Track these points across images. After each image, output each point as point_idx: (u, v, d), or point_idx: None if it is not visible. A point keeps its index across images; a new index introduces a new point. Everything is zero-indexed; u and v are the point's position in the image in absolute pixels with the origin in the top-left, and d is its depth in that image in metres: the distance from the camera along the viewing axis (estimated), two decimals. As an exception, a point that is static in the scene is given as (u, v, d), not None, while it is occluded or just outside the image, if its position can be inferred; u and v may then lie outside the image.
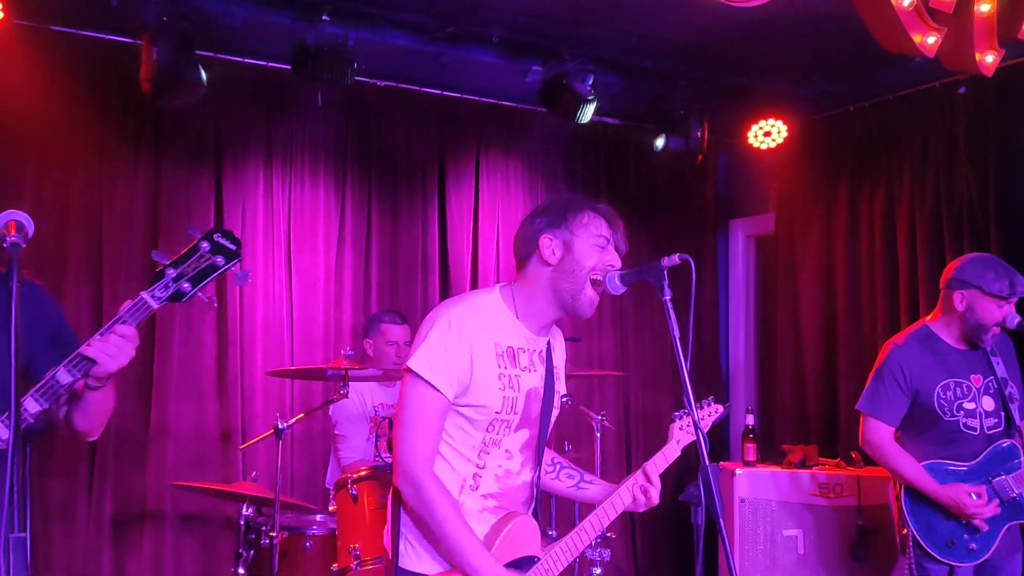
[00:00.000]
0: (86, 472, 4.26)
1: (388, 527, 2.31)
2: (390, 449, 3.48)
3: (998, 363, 3.26)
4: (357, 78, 4.46)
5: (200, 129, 4.56)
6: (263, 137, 4.73)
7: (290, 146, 4.79)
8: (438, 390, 2.16)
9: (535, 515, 2.36)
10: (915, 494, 3.23)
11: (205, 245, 1.88)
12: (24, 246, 1.71)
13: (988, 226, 4.38)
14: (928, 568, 3.22)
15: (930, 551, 3.20)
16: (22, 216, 1.76)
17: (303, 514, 3.79)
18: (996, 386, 3.25)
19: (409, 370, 2.20)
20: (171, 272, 1.87)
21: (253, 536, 3.64)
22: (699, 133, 5.00)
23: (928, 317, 3.38)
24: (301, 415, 3.72)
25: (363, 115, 4.96)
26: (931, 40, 2.77)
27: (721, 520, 2.08)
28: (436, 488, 2.17)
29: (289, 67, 4.29)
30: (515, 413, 2.26)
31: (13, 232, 1.72)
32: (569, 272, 2.27)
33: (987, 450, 3.24)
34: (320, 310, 4.79)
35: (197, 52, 4.03)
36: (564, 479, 2.53)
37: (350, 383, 3.68)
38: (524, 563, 2.28)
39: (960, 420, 3.22)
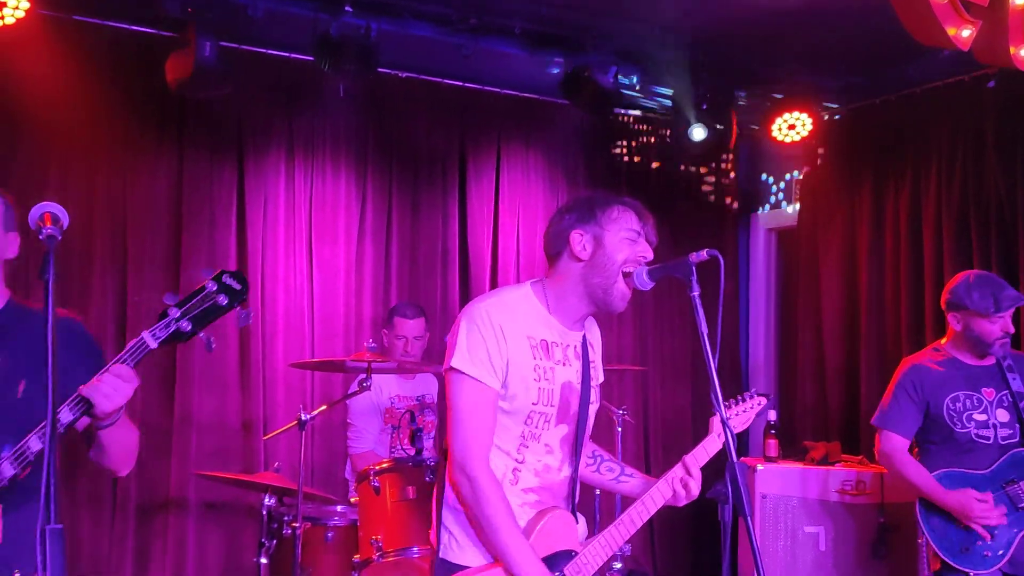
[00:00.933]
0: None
1: (433, 520, 2.34)
2: (412, 442, 3.53)
3: (1014, 378, 3.33)
4: (379, 70, 4.46)
5: (222, 121, 4.57)
6: (285, 129, 4.73)
7: (311, 138, 4.80)
8: (484, 383, 2.19)
9: (574, 511, 2.35)
10: (929, 502, 3.29)
11: (212, 285, 1.90)
12: (60, 238, 1.72)
13: (1016, 222, 4.33)
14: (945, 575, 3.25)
15: (944, 558, 3.23)
16: (57, 208, 1.77)
17: (324, 505, 3.80)
18: (1011, 399, 3.31)
19: (452, 369, 2.21)
20: (174, 312, 1.89)
21: (275, 526, 3.66)
22: (723, 126, 4.96)
23: (943, 340, 3.47)
24: (324, 407, 3.73)
25: (384, 107, 4.96)
26: (965, 33, 2.74)
27: (749, 518, 2.07)
28: (491, 484, 2.18)
29: (311, 58, 4.28)
30: (551, 406, 2.27)
31: (49, 224, 1.73)
32: (601, 267, 2.28)
33: (1002, 458, 3.28)
34: (341, 302, 4.80)
35: (221, 44, 4.03)
36: (605, 472, 2.53)
37: (374, 375, 3.68)
38: (560, 557, 2.27)
39: (972, 431, 3.29)
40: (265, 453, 4.53)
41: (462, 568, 2.24)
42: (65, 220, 1.78)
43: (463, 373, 2.19)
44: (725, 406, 2.41)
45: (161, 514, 4.37)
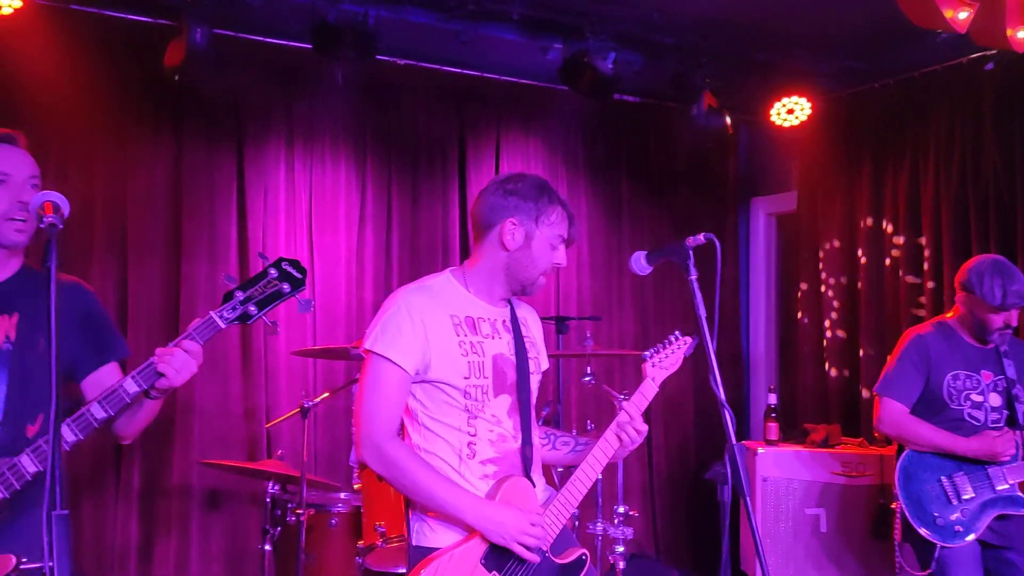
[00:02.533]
0: (113, 449, 4.32)
1: (405, 510, 2.39)
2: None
3: (1009, 364, 3.37)
4: (377, 57, 4.45)
5: (221, 109, 4.56)
6: (284, 117, 4.73)
7: (311, 126, 4.79)
8: (395, 363, 2.26)
9: (529, 477, 2.37)
10: (909, 470, 3.33)
11: (273, 272, 1.99)
12: (61, 227, 1.74)
13: (1014, 204, 4.33)
14: (914, 544, 3.31)
15: (913, 525, 3.27)
16: (58, 197, 1.80)
17: (328, 492, 3.83)
18: (1005, 385, 3.35)
19: (367, 351, 2.30)
20: (239, 295, 1.98)
21: (279, 513, 3.69)
22: (721, 111, 4.96)
23: (948, 313, 3.50)
24: (327, 394, 3.75)
25: (383, 94, 4.95)
26: (962, 15, 2.74)
27: (748, 497, 2.09)
28: (398, 447, 2.27)
29: (309, 46, 4.28)
30: (485, 377, 2.33)
31: (50, 213, 1.76)
32: (524, 265, 2.39)
33: None
34: (342, 290, 4.81)
35: (215, 31, 4.02)
36: (561, 447, 2.60)
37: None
38: None
39: (965, 410, 3.34)
40: (268, 441, 4.54)
41: (435, 550, 2.29)
42: (66, 208, 1.80)
43: (373, 352, 2.27)
44: (654, 351, 2.54)
45: (164, 502, 4.39)
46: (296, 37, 4.51)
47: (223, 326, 1.97)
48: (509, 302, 2.47)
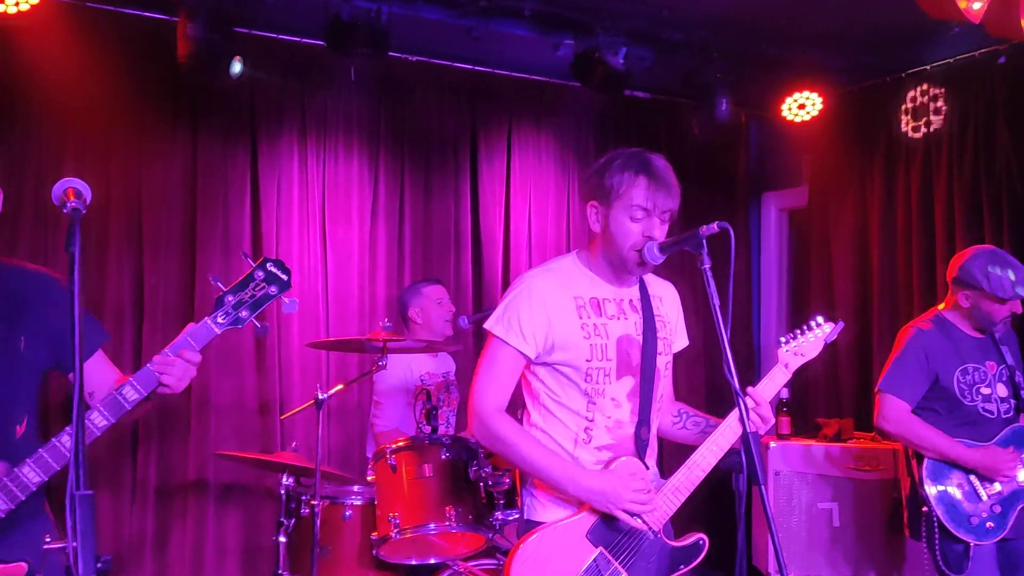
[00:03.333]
0: (130, 443, 4.35)
1: (518, 486, 2.46)
2: (428, 420, 3.56)
3: (1007, 351, 3.34)
4: (390, 53, 4.48)
5: (235, 105, 4.60)
6: (297, 113, 4.76)
7: (324, 121, 4.82)
8: (512, 346, 2.31)
9: (643, 459, 2.36)
10: (936, 472, 3.26)
11: (260, 274, 2.03)
12: (84, 211, 1.76)
13: (1028, 197, 4.33)
14: (947, 547, 3.25)
15: (949, 528, 3.22)
16: (80, 184, 1.83)
17: (342, 484, 3.84)
18: (1008, 373, 3.32)
19: (487, 332, 2.36)
20: (230, 299, 2.02)
21: (293, 505, 3.70)
22: (732, 106, 4.96)
23: (941, 306, 3.45)
24: (340, 386, 3.76)
25: (396, 90, 4.98)
26: (976, 5, 2.74)
27: (764, 487, 2.09)
28: (506, 420, 2.32)
29: (323, 43, 4.31)
30: (608, 360, 2.33)
31: (73, 198, 1.78)
32: (610, 243, 2.36)
33: (1003, 432, 3.29)
34: (355, 284, 4.84)
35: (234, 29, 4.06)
36: (691, 427, 2.56)
37: (397, 354, 3.71)
38: None
39: (979, 404, 3.29)
40: (282, 434, 4.57)
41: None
42: (88, 195, 1.82)
43: (494, 335, 2.34)
44: (791, 337, 2.50)
45: (180, 496, 4.43)
46: (310, 34, 4.55)
47: (218, 332, 2.02)
48: (641, 280, 2.44)
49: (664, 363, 2.45)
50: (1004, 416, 3.30)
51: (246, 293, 2.01)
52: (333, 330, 4.73)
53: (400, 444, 3.45)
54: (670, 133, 5.65)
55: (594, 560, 2.26)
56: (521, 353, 2.30)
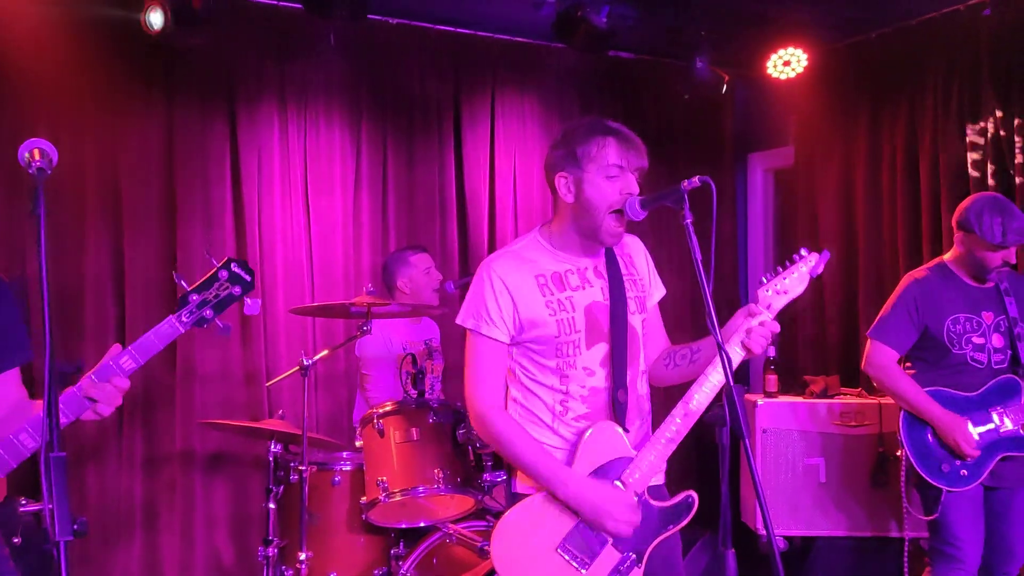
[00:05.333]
0: (115, 415, 4.31)
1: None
2: (414, 384, 3.56)
3: (1011, 303, 3.34)
4: (369, 16, 4.41)
5: (211, 72, 4.52)
6: (276, 79, 4.69)
7: (304, 88, 4.75)
8: (487, 336, 2.34)
9: (622, 423, 2.35)
10: (913, 417, 3.33)
11: (224, 274, 2.08)
12: (49, 172, 1.73)
13: (1013, 151, 4.30)
14: (921, 490, 3.33)
15: (921, 473, 3.28)
16: (45, 144, 1.79)
17: (330, 451, 3.84)
18: (1007, 324, 3.32)
19: (463, 328, 2.39)
20: (195, 298, 2.07)
21: (282, 473, 3.70)
22: (710, 64, 4.92)
23: (946, 255, 3.47)
24: (325, 352, 3.74)
25: (376, 54, 4.91)
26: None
27: (747, 439, 2.09)
28: (501, 418, 2.34)
29: (300, 6, 4.24)
30: (576, 331, 2.34)
31: (38, 159, 1.75)
32: (586, 210, 2.34)
33: (990, 383, 3.31)
34: (339, 252, 4.80)
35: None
36: (680, 362, 2.51)
37: (378, 321, 3.70)
38: (613, 466, 2.31)
39: (968, 353, 3.31)
40: (269, 402, 4.56)
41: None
42: (54, 156, 1.79)
43: (469, 329, 2.37)
44: (772, 275, 2.41)
45: (167, 466, 4.42)
46: (286, -3, 4.47)
47: (182, 331, 2.07)
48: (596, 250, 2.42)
49: (639, 321, 2.44)
50: (995, 367, 3.32)
51: (210, 293, 2.06)
52: (318, 299, 4.70)
53: (387, 408, 3.45)
54: (655, 94, 5.61)
55: (575, 527, 2.28)
56: (498, 341, 2.34)
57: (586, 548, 2.27)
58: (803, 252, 2.40)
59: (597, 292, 2.38)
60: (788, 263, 2.40)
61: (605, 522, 2.24)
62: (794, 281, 2.38)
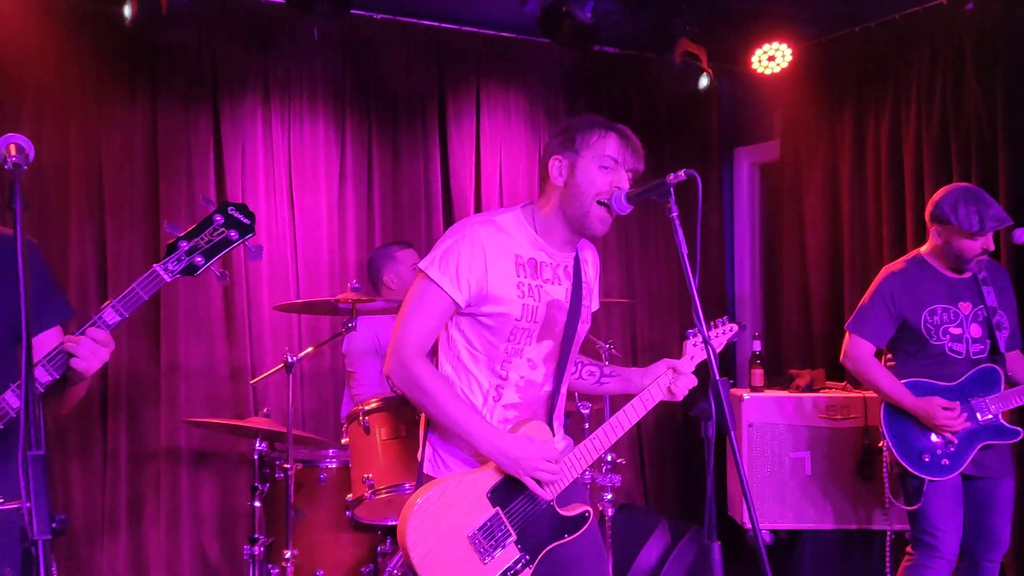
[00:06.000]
0: (99, 412, 4.31)
1: (421, 439, 2.43)
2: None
3: (989, 292, 3.35)
4: (353, 11, 4.39)
5: (195, 67, 4.49)
6: (260, 74, 4.66)
7: (287, 83, 4.73)
8: (443, 290, 2.26)
9: (550, 423, 2.38)
10: (893, 409, 3.36)
11: (219, 218, 1.90)
12: (25, 168, 1.70)
13: (996, 145, 4.32)
14: (904, 480, 3.35)
15: (903, 463, 3.31)
16: (22, 139, 1.76)
17: (316, 448, 3.83)
18: (985, 314, 3.34)
19: (419, 271, 2.30)
20: (184, 245, 1.88)
21: (268, 470, 3.69)
22: (704, 59, 4.92)
23: (922, 248, 3.48)
24: (310, 349, 3.73)
25: (360, 50, 4.89)
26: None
27: (732, 433, 2.09)
28: (424, 366, 2.27)
29: (283, 1, 4.21)
30: (535, 322, 2.32)
31: (14, 154, 1.71)
32: (574, 196, 2.33)
33: (970, 372, 3.34)
34: (324, 248, 4.78)
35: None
36: (586, 376, 2.58)
37: (363, 317, 3.68)
38: None
39: (946, 344, 3.34)
40: (255, 400, 4.54)
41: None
42: (31, 151, 1.76)
43: (427, 276, 2.27)
44: (693, 332, 2.49)
45: (153, 464, 4.40)
46: (270, -8, 4.44)
47: (168, 279, 1.87)
48: (575, 248, 2.43)
49: (584, 330, 2.47)
50: (973, 357, 3.34)
51: (203, 238, 1.88)
52: (304, 294, 4.68)
53: (373, 405, 3.44)
54: (640, 89, 5.61)
55: (489, 520, 2.27)
56: (452, 299, 2.26)
57: (492, 540, 2.26)
58: (725, 319, 2.58)
59: (562, 292, 2.38)
60: (713, 324, 2.55)
61: (528, 470, 2.24)
62: (717, 340, 2.56)
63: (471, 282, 2.25)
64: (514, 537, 2.28)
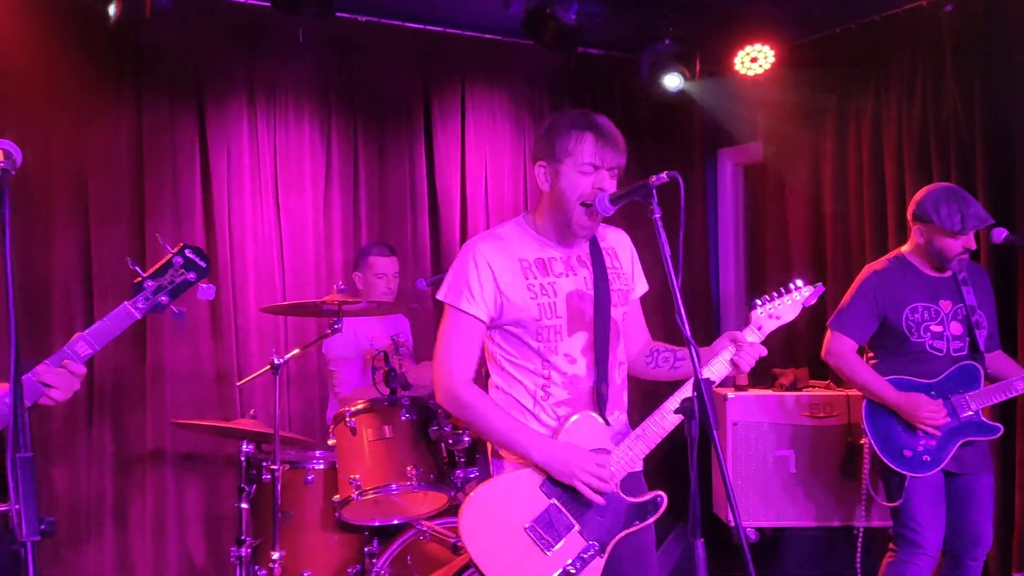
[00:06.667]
0: (85, 414, 4.30)
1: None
2: (387, 382, 3.55)
3: (968, 292, 3.39)
4: (339, 13, 4.40)
5: (180, 68, 4.50)
6: (245, 76, 4.67)
7: (273, 85, 4.74)
8: (466, 312, 2.34)
9: (603, 415, 2.38)
10: (875, 405, 3.40)
11: (178, 260, 2.08)
12: (13, 173, 1.73)
13: (975, 145, 4.37)
14: (885, 477, 3.39)
15: (884, 460, 3.34)
16: (9, 144, 1.78)
17: (303, 449, 3.83)
18: (965, 313, 3.38)
19: (442, 304, 2.40)
20: (150, 284, 2.06)
21: (255, 472, 3.69)
22: (687, 61, 4.97)
23: (904, 247, 3.52)
24: (297, 350, 3.73)
25: (346, 52, 4.90)
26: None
27: (715, 432, 2.12)
28: (472, 390, 2.36)
29: (268, 3, 4.21)
30: (558, 317, 2.36)
31: (1, 159, 1.73)
32: (559, 200, 2.38)
33: (950, 369, 3.37)
34: (310, 249, 4.79)
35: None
36: (662, 364, 2.59)
37: (344, 318, 3.69)
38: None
39: (927, 341, 3.37)
40: (241, 402, 4.54)
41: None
42: (18, 156, 1.78)
43: (448, 304, 2.38)
44: (767, 299, 2.50)
45: (138, 466, 4.39)
46: (255, -6, 4.45)
47: (138, 316, 2.06)
48: (590, 238, 2.45)
49: (620, 314, 2.47)
50: (954, 354, 3.37)
51: (165, 279, 2.06)
52: (290, 296, 4.69)
53: (360, 406, 3.45)
54: (624, 91, 5.63)
55: (546, 511, 2.30)
56: (476, 318, 2.34)
57: (553, 531, 2.29)
58: (799, 283, 2.51)
59: (581, 281, 2.41)
60: (784, 290, 2.50)
61: (576, 476, 2.26)
62: (787, 308, 2.49)
63: (487, 298, 2.33)
64: (577, 527, 2.30)
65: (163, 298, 2.05)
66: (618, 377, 2.46)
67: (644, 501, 2.37)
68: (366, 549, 3.59)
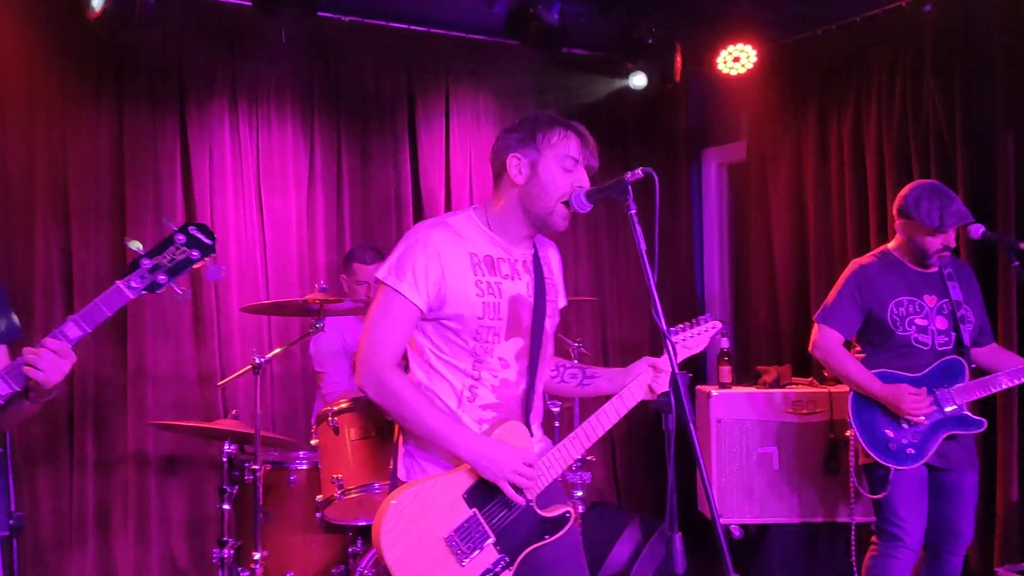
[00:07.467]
0: (66, 418, 4.27)
1: (397, 445, 2.38)
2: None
3: (954, 287, 3.41)
4: (321, 13, 4.39)
5: (161, 70, 4.48)
6: (227, 77, 4.65)
7: (255, 86, 4.72)
8: (404, 296, 2.23)
9: (528, 424, 2.36)
10: (861, 398, 3.41)
11: (181, 238, 1.93)
12: None
13: (955, 144, 4.40)
14: (869, 470, 3.40)
15: (869, 452, 3.35)
16: None
17: (286, 450, 3.82)
18: (950, 308, 3.40)
19: (379, 281, 2.28)
20: (146, 263, 1.92)
21: (237, 473, 3.68)
22: (672, 60, 4.99)
23: (890, 243, 3.54)
24: (279, 350, 3.73)
25: (328, 52, 4.89)
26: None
27: (692, 426, 2.12)
28: (397, 376, 2.25)
29: (249, 3, 4.21)
30: (499, 319, 2.30)
31: None
32: (536, 195, 2.31)
33: (935, 364, 3.39)
34: (294, 251, 4.78)
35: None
36: (569, 380, 2.56)
37: (329, 319, 3.68)
38: None
39: (912, 335, 3.39)
40: (224, 403, 4.53)
41: None
42: None
43: (386, 285, 2.26)
44: (681, 329, 2.51)
45: (120, 469, 4.36)
46: (236, -6, 4.44)
47: (131, 296, 1.91)
48: (533, 243, 2.42)
49: (552, 325, 2.45)
50: (939, 349, 3.39)
51: (165, 257, 1.91)
52: (273, 298, 4.67)
53: (343, 406, 3.44)
54: (609, 90, 5.65)
55: (466, 521, 2.24)
56: (414, 305, 2.23)
57: (470, 542, 2.23)
58: (707, 316, 2.58)
59: (523, 286, 2.36)
60: (695, 322, 2.55)
61: (504, 474, 2.22)
62: (699, 339, 2.55)
63: (430, 285, 2.23)
64: (492, 539, 2.25)
65: (161, 277, 1.91)
66: (541, 388, 2.44)
67: (555, 516, 2.34)
68: (350, 549, 3.59)
